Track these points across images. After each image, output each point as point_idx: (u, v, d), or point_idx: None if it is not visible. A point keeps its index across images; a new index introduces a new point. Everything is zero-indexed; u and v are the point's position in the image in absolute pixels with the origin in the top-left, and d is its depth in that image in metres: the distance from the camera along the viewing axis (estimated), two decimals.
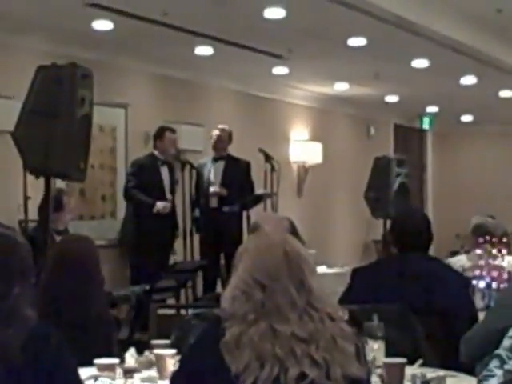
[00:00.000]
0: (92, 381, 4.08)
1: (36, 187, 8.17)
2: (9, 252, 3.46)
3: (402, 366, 4.63)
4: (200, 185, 11.58)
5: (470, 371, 4.44)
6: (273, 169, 12.35)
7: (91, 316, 5.01)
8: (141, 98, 12.47)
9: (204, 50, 11.80)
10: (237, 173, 11.74)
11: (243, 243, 3.93)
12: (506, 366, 3.83)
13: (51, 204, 7.69)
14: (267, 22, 10.19)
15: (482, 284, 7.01)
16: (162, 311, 6.87)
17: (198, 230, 11.56)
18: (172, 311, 7.54)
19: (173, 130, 11.45)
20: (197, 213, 11.43)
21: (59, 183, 8.64)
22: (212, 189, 11.54)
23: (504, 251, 6.47)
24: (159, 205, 10.94)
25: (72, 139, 7.02)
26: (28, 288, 3.47)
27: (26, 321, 3.40)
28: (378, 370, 4.61)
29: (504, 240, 6.97)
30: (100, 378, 4.18)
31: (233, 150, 12.20)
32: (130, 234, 11.33)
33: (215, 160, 11.82)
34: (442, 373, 4.73)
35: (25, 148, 6.98)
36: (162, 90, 12.94)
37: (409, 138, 19.69)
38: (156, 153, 11.34)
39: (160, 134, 11.34)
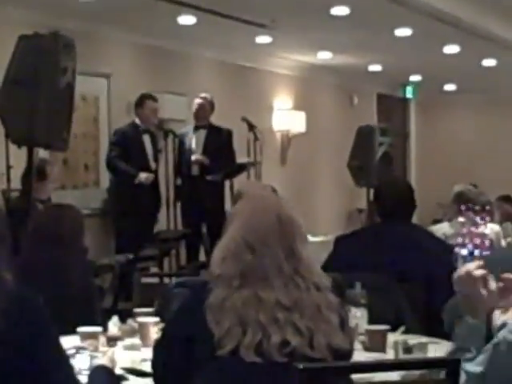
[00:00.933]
0: (74, 351, 4.07)
1: (18, 157, 8.16)
2: None
3: (384, 333, 4.70)
4: (181, 153, 11.56)
5: (450, 337, 4.45)
6: (256, 138, 12.37)
7: (72, 284, 5.01)
8: (123, 68, 12.47)
9: (187, 20, 11.77)
10: (218, 141, 11.75)
11: (236, 204, 3.94)
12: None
13: (34, 173, 7.68)
14: None
15: (464, 251, 7.00)
16: (145, 280, 6.90)
17: (179, 198, 11.56)
18: (155, 280, 7.58)
19: (154, 98, 11.45)
20: (178, 181, 11.42)
21: (42, 153, 8.64)
22: (193, 157, 11.53)
23: (487, 219, 6.49)
24: (142, 176, 10.93)
25: (54, 109, 7.01)
26: (4, 253, 3.47)
27: (5, 283, 3.40)
28: (361, 337, 4.66)
29: (487, 208, 6.99)
30: (81, 351, 4.17)
31: (216, 118, 12.22)
32: (114, 204, 11.36)
33: (196, 128, 11.83)
34: (424, 339, 4.77)
35: (7, 118, 6.98)
36: (144, 60, 12.94)
37: (392, 107, 19.76)
38: (137, 121, 11.35)
39: (140, 102, 11.35)
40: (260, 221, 3.62)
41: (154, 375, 3.76)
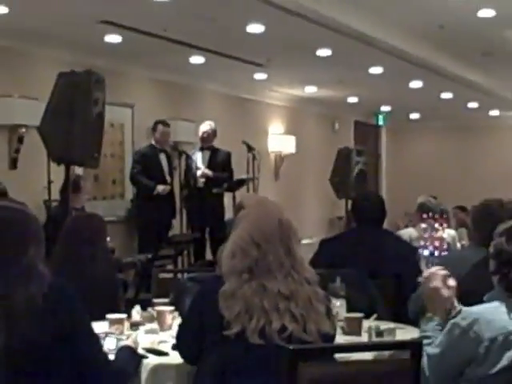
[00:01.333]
0: (103, 335, 4.08)
1: (58, 173, 8.17)
2: (24, 222, 3.51)
3: (359, 320, 4.71)
4: (189, 170, 11.57)
5: (416, 324, 4.46)
6: (254, 157, 12.34)
7: (98, 278, 5.01)
8: (144, 99, 12.45)
9: (197, 59, 11.78)
10: (220, 161, 11.74)
11: (243, 211, 3.97)
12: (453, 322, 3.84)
13: (70, 187, 7.70)
14: (249, 35, 10.18)
15: (426, 252, 7.00)
16: (162, 275, 6.88)
17: (186, 206, 11.58)
18: (170, 275, 7.54)
19: (165, 123, 11.54)
20: (185, 193, 11.41)
21: (77, 170, 8.65)
22: (199, 172, 11.54)
23: (444, 225, 6.49)
24: (159, 188, 11.01)
25: (88, 133, 7.01)
26: (41, 251, 3.52)
27: (43, 276, 3.42)
28: (340, 323, 4.65)
29: (444, 216, 7.00)
30: (109, 335, 4.18)
31: (220, 142, 12.18)
32: (136, 212, 11.37)
33: (202, 149, 11.81)
34: (392, 325, 4.77)
35: (49, 141, 6.98)
36: (161, 92, 12.92)
37: (366, 132, 19.68)
38: (153, 143, 11.39)
39: (154, 126, 11.46)
40: (264, 223, 3.65)
41: (180, 352, 3.79)
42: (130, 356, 3.89)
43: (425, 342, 3.70)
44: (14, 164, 10.18)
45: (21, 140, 10.11)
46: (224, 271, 3.59)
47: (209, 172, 11.58)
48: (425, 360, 3.58)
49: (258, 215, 3.74)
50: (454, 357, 3.70)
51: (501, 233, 3.84)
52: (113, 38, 10.25)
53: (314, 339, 3.46)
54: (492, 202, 5.64)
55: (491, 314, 3.69)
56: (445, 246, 5.92)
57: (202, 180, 11.53)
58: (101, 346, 3.69)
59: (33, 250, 3.46)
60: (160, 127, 11.44)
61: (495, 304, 3.74)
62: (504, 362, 3.60)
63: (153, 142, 11.40)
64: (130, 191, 12.04)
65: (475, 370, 3.67)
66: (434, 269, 4.12)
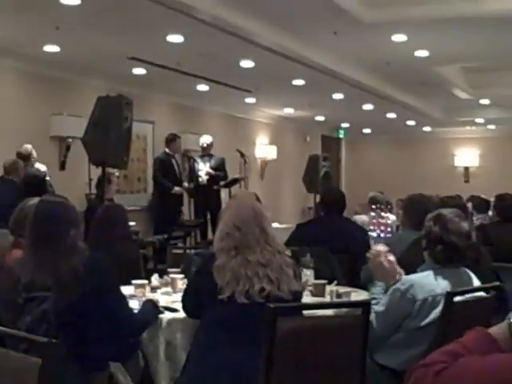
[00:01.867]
0: (129, 297, 4.09)
1: (96, 173, 8.20)
2: (63, 212, 3.55)
3: (324, 285, 4.70)
4: (194, 171, 11.57)
5: (366, 288, 4.48)
6: (245, 162, 12.33)
7: (123, 254, 4.99)
8: (162, 117, 12.45)
9: (202, 87, 11.80)
10: (216, 164, 11.70)
11: (226, 205, 4.02)
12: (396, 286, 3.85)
13: (105, 182, 7.73)
14: (242, 69, 10.19)
15: (374, 234, 7.03)
16: (174, 251, 6.88)
17: (192, 197, 11.62)
18: (181, 251, 7.53)
19: (179, 137, 11.50)
20: (191, 185, 11.39)
21: (111, 170, 8.65)
22: (204, 171, 11.53)
23: (388, 214, 6.49)
24: (176, 189, 11.01)
25: (119, 143, 7.00)
26: (79, 232, 3.59)
27: (82, 251, 3.45)
28: (309, 288, 4.65)
29: (388, 207, 7.00)
30: (134, 298, 4.18)
31: (220, 150, 12.15)
32: (155, 203, 11.36)
33: (202, 156, 11.75)
34: (348, 289, 4.78)
35: (89, 148, 6.98)
36: (175, 112, 12.92)
37: (330, 143, 19.69)
38: (167, 151, 11.29)
39: (172, 138, 11.32)
40: (242, 212, 3.66)
41: (184, 310, 3.78)
42: (152, 308, 3.92)
43: (373, 302, 3.73)
44: (63, 166, 10.21)
45: (68, 148, 10.14)
46: (216, 250, 3.60)
47: (211, 171, 11.57)
48: (373, 315, 3.59)
49: (236, 206, 3.77)
50: (395, 313, 3.72)
51: (430, 219, 3.87)
52: (139, 71, 10.29)
53: (286, 296, 3.46)
54: (416, 195, 5.68)
55: (423, 280, 3.71)
56: (389, 229, 5.95)
57: (206, 177, 11.51)
58: (126, 303, 3.71)
59: (73, 232, 3.49)
60: (178, 139, 11.39)
61: (426, 273, 3.76)
62: (432, 316, 3.63)
63: (167, 150, 11.28)
64: (150, 187, 12.02)
65: (410, 323, 3.69)
66: (378, 247, 4.15)
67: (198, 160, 11.65)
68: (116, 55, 9.26)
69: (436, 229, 3.75)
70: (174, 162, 11.35)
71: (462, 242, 3.72)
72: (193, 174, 11.54)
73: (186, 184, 11.30)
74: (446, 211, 3.85)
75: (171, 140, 11.33)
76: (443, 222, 3.75)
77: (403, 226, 5.77)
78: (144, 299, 4.09)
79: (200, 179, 11.43)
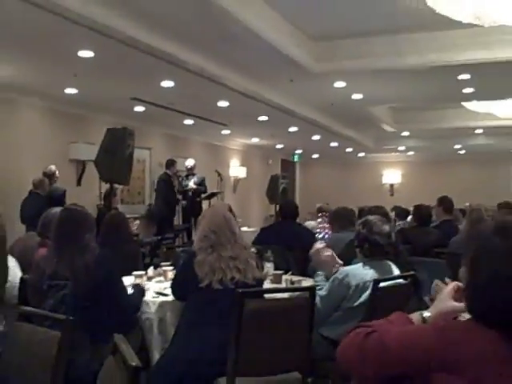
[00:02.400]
0: (131, 285, 4.07)
1: (105, 187, 8.15)
2: (81, 218, 3.55)
3: (281, 275, 4.68)
4: (183, 187, 11.51)
5: (312, 277, 4.49)
6: (221, 179, 12.36)
7: (124, 251, 4.96)
8: (157, 145, 12.40)
9: (188, 122, 11.75)
10: (198, 182, 11.61)
11: (202, 214, 4.01)
12: (335, 275, 3.87)
13: (112, 195, 7.67)
14: (219, 108, 10.20)
15: (320, 236, 7.08)
16: (165, 249, 6.86)
17: (181, 208, 11.52)
18: (171, 249, 7.49)
19: (176, 161, 11.39)
20: (183, 203, 11.32)
21: (117, 186, 8.60)
22: (189, 186, 11.46)
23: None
24: (182, 202, 11.14)
25: (123, 164, 6.96)
26: (93, 235, 3.56)
27: (94, 250, 3.44)
28: (270, 277, 4.63)
29: None
30: (134, 286, 4.16)
31: (202, 170, 12.14)
32: (154, 213, 11.21)
33: (187, 176, 11.68)
34: (300, 278, 4.79)
35: (100, 168, 6.92)
36: (167, 141, 12.86)
37: (288, 165, 19.73)
38: (168, 172, 11.17)
39: (172, 163, 11.15)
40: (215, 218, 3.67)
41: (173, 294, 3.75)
42: (139, 291, 3.92)
43: (317, 287, 3.75)
44: (79, 182, 10.12)
45: (83, 168, 10.06)
46: (196, 249, 3.59)
47: (195, 186, 11.53)
48: (317, 299, 3.61)
49: (211, 215, 3.76)
50: (335, 296, 3.74)
51: (359, 223, 3.91)
52: (139, 108, 10.23)
53: (251, 282, 3.46)
54: (339, 208, 5.73)
55: (355, 271, 3.74)
56: (331, 233, 5.98)
57: (191, 191, 11.49)
58: (126, 289, 3.70)
59: (88, 235, 3.48)
60: (175, 164, 11.26)
61: (358, 265, 3.79)
62: (362, 298, 3.66)
63: (168, 171, 11.10)
64: (148, 199, 11.97)
65: (346, 304, 3.72)
66: (317, 245, 4.18)
67: (185, 178, 11.64)
68: (121, 96, 9.23)
69: (364, 231, 3.80)
70: (174, 180, 11.31)
71: (383, 241, 3.76)
72: (182, 190, 11.53)
73: (183, 202, 11.19)
74: (371, 217, 3.89)
75: (171, 164, 11.25)
76: (369, 225, 3.79)
77: (332, 231, 5.78)
78: (133, 284, 4.07)
79: (189, 193, 11.41)
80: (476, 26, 5.55)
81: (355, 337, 1.71)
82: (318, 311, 3.48)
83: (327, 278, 3.86)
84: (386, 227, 3.80)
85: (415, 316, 1.83)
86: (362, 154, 18.88)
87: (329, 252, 3.94)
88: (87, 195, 9.53)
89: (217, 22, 5.88)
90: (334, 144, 15.89)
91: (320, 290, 3.77)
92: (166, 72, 7.61)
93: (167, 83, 8.30)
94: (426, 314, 1.82)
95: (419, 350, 1.59)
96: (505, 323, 1.55)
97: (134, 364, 1.75)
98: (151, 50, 6.38)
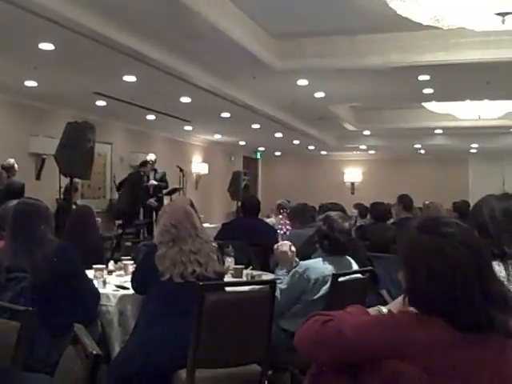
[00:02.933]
0: (92, 278, 4.06)
1: (65, 182, 8.07)
2: (39, 210, 3.54)
3: (241, 270, 4.72)
4: (144, 182, 11.49)
5: (273, 272, 4.54)
6: (183, 175, 12.36)
7: (90, 244, 4.95)
8: (118, 140, 12.32)
9: (151, 117, 11.69)
10: (160, 177, 11.61)
11: (162, 209, 4.00)
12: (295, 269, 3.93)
13: (72, 189, 7.60)
14: (182, 104, 10.17)
15: (281, 232, 7.15)
16: (127, 243, 6.85)
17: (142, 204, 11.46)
18: (132, 243, 7.47)
19: (149, 162, 11.39)
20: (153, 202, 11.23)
21: (77, 180, 8.52)
22: (150, 183, 11.46)
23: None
24: (150, 201, 11.06)
25: (84, 159, 6.90)
26: (49, 226, 3.52)
27: (51, 242, 3.42)
28: (231, 271, 4.67)
29: None
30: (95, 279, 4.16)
31: (164, 166, 12.11)
32: (116, 208, 11.16)
33: (149, 170, 11.71)
34: (260, 272, 4.84)
35: (61, 163, 6.86)
36: (129, 136, 12.78)
37: (250, 162, 19.78)
38: (140, 171, 11.23)
39: (145, 164, 11.28)
40: (176, 213, 3.68)
41: (133, 288, 3.75)
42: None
43: (278, 281, 3.79)
44: (38, 176, 10.01)
45: (43, 162, 9.95)
46: (157, 243, 3.60)
47: (155, 182, 11.51)
48: (278, 292, 3.65)
49: (171, 209, 3.77)
50: (294, 290, 3.80)
51: (320, 219, 3.97)
52: (101, 103, 10.14)
53: (212, 276, 3.49)
54: (298, 205, 5.78)
55: (315, 265, 3.80)
56: (291, 229, 6.04)
57: (152, 187, 11.46)
58: (89, 282, 3.69)
59: (43, 227, 3.46)
60: (148, 165, 11.31)
61: (318, 259, 3.86)
62: (321, 292, 3.73)
63: (140, 170, 11.25)
64: (109, 194, 11.89)
65: (305, 297, 3.78)
66: (281, 242, 4.23)
67: (147, 173, 11.62)
68: (83, 90, 9.14)
69: (324, 228, 3.86)
70: (145, 179, 11.26)
71: (343, 238, 3.83)
72: (143, 185, 11.49)
73: (152, 201, 11.11)
74: (332, 213, 3.96)
75: (144, 164, 11.31)
76: (330, 222, 3.85)
77: (292, 227, 5.83)
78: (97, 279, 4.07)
79: (150, 189, 11.39)
80: (436, 28, 5.69)
81: (313, 324, 1.76)
82: (277, 304, 3.51)
83: (289, 272, 3.91)
84: (346, 224, 3.88)
85: (373, 311, 1.89)
86: (324, 152, 19.03)
87: (294, 248, 3.97)
88: (47, 189, 9.41)
89: (181, 18, 5.88)
90: (296, 142, 15.96)
91: (281, 283, 3.81)
92: (129, 67, 7.56)
93: (130, 78, 8.25)
94: (384, 309, 1.88)
95: (374, 338, 1.65)
96: (449, 314, 1.63)
97: (94, 352, 1.77)
98: (113, 43, 6.33)
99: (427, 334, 1.61)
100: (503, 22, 4.95)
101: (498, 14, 4.90)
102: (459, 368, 1.59)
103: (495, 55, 7.09)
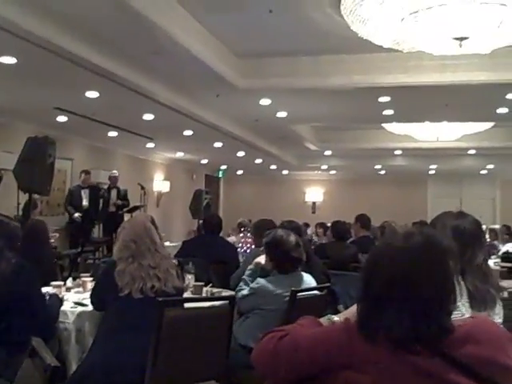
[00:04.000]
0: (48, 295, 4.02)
1: (23, 198, 7.96)
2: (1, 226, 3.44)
3: (201, 287, 4.73)
4: (105, 199, 11.43)
5: (233, 289, 4.56)
6: (145, 193, 12.29)
7: (44, 262, 4.88)
8: (79, 156, 12.22)
9: (113, 134, 11.63)
10: (122, 195, 11.59)
11: (121, 225, 4.00)
12: (250, 285, 3.99)
13: (31, 206, 7.51)
14: (144, 121, 10.16)
15: (242, 250, 7.18)
16: (89, 261, 6.80)
17: (102, 221, 11.38)
18: (91, 261, 7.43)
19: (87, 172, 11.14)
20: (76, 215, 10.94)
21: (36, 196, 8.42)
22: (112, 201, 11.40)
23: (249, 234, 6.58)
24: (75, 215, 10.74)
25: (43, 175, 6.86)
26: (8, 243, 3.44)
27: (9, 258, 3.38)
28: (191, 288, 4.69)
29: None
30: (51, 295, 4.10)
31: (125, 183, 12.07)
32: (71, 225, 11.05)
33: (110, 188, 11.68)
34: (220, 289, 4.86)
35: (19, 178, 6.81)
36: (90, 152, 12.69)
37: (212, 181, 19.80)
38: (80, 183, 11.10)
39: (80, 174, 11.14)
40: (136, 228, 3.70)
41: (92, 304, 3.74)
42: (56, 299, 3.89)
43: (241, 284, 3.97)
44: None
45: (1, 178, 9.79)
46: (117, 258, 3.61)
47: (118, 201, 11.45)
48: (239, 294, 3.89)
49: (130, 225, 3.79)
50: (249, 304, 3.90)
51: (265, 242, 4.08)
52: (62, 118, 10.03)
53: (171, 291, 3.50)
54: (258, 222, 5.82)
55: (270, 282, 3.89)
56: (253, 246, 6.08)
57: (114, 206, 11.41)
58: (44, 299, 3.66)
59: (1, 243, 3.42)
60: (82, 175, 11.13)
61: (272, 277, 3.95)
62: (274, 306, 3.81)
63: (80, 183, 11.10)
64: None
65: (260, 310, 3.86)
66: (258, 259, 4.25)
67: (107, 191, 11.55)
68: (44, 105, 9.07)
69: (272, 249, 4.00)
70: (83, 192, 11.06)
71: (293, 252, 3.94)
72: (104, 202, 11.41)
73: (76, 214, 10.79)
74: (278, 232, 4.07)
75: (81, 176, 11.15)
76: (275, 241, 4.00)
77: (255, 244, 5.86)
78: (49, 294, 4.03)
79: (111, 207, 11.34)
80: (396, 50, 5.85)
81: (269, 341, 1.78)
82: (238, 308, 3.64)
83: (254, 273, 3.99)
84: (292, 238, 3.95)
85: (324, 320, 1.93)
86: (285, 172, 19.17)
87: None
88: (4, 206, 9.23)
89: (145, 34, 5.92)
90: (258, 161, 16.06)
91: (242, 289, 3.96)
92: (91, 82, 7.55)
93: (92, 93, 8.23)
94: (335, 318, 1.92)
95: (328, 348, 1.68)
96: (387, 326, 1.62)
97: (52, 364, 1.77)
98: (76, 58, 6.32)
99: (365, 346, 1.63)
100: (460, 46, 5.13)
101: (456, 39, 5.08)
102: (401, 380, 1.60)
103: (453, 78, 7.30)
